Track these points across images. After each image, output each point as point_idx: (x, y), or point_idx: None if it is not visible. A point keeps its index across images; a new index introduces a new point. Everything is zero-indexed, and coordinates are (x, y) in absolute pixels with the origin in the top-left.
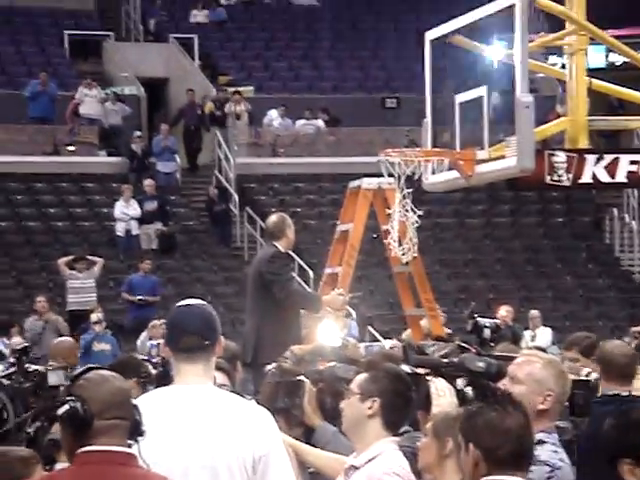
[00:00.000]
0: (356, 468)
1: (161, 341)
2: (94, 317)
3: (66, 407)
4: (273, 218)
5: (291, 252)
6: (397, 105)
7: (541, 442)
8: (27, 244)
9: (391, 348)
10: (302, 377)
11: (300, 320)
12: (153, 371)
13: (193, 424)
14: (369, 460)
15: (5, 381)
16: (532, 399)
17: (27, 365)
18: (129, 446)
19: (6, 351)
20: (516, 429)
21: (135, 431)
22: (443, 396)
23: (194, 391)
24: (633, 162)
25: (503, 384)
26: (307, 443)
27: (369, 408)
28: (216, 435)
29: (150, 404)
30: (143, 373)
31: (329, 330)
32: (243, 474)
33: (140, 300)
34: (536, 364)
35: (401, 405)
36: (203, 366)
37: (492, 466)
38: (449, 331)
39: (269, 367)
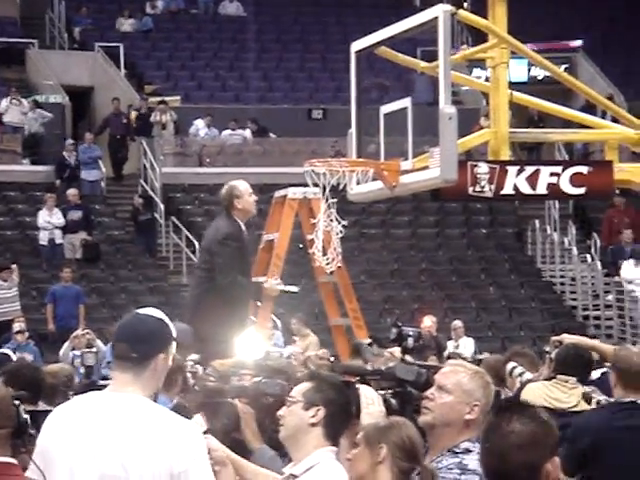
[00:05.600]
0: (295, 477)
1: (85, 350)
2: (16, 327)
3: None
4: (224, 188)
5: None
6: (323, 116)
7: (468, 451)
8: None
9: (289, 357)
10: (234, 401)
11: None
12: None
13: (110, 432)
14: (308, 469)
15: None
16: (460, 409)
17: None
18: (18, 451)
19: None
20: None
21: (20, 435)
22: (372, 404)
23: (118, 399)
24: (553, 174)
25: (431, 393)
26: None
27: (312, 417)
28: (131, 446)
29: (70, 410)
30: (41, 384)
31: (250, 342)
32: None
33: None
34: (463, 374)
35: (343, 417)
36: (132, 375)
37: None
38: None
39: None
